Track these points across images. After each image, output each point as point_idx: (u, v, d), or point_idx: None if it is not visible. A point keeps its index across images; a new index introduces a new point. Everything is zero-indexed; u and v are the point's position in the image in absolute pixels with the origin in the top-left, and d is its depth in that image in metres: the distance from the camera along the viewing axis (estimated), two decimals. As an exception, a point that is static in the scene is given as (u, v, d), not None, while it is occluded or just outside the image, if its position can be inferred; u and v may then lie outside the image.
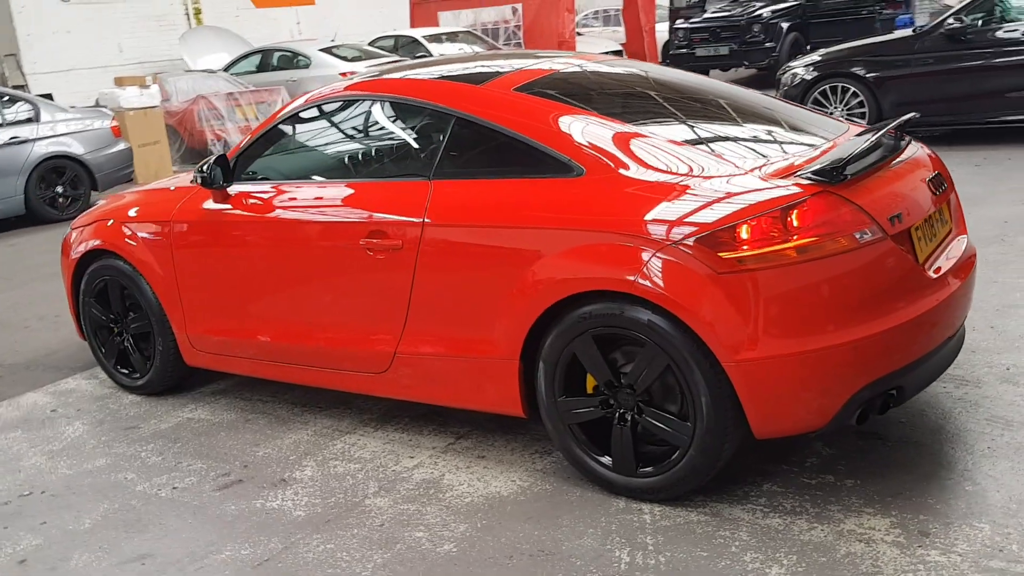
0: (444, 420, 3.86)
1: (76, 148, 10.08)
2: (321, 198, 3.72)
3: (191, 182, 4.23)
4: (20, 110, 9.97)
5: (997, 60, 8.29)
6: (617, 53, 16.02)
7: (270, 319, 3.89)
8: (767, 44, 15.06)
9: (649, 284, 2.85)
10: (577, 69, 3.83)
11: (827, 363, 2.77)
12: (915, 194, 3.11)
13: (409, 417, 3.95)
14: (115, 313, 4.52)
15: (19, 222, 9.93)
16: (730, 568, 2.69)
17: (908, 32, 9.38)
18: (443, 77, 3.79)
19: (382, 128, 3.96)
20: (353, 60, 15.01)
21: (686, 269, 2.82)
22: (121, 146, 10.61)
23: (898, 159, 3.22)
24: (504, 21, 17.09)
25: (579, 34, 17.91)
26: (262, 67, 15.86)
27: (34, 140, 9.80)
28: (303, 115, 4.02)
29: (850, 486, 3.06)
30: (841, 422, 2.86)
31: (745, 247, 2.77)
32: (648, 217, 2.91)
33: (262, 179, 3.99)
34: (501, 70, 3.71)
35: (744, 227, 2.78)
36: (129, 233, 4.34)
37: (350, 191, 3.67)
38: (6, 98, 10.13)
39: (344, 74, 14.09)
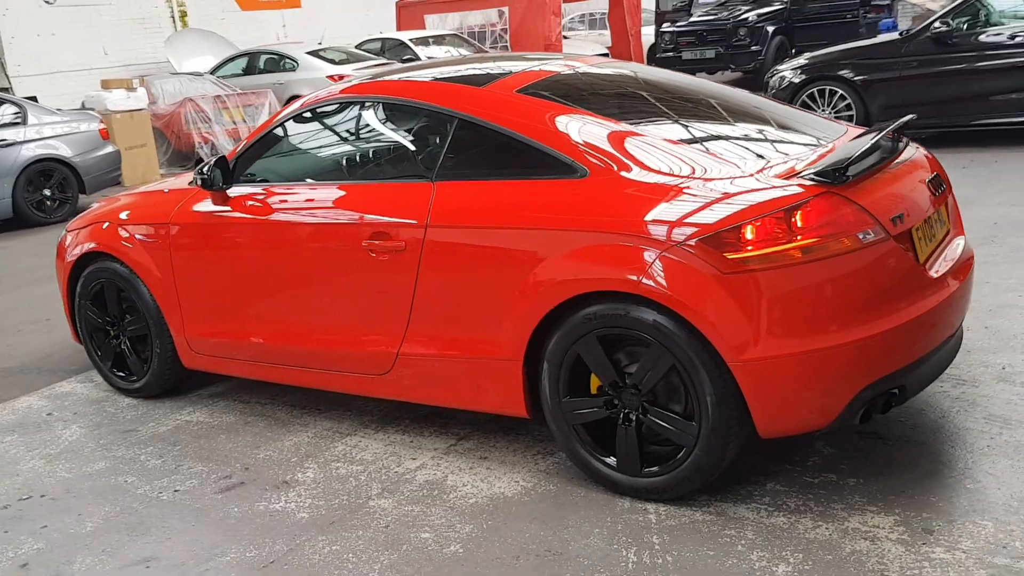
0: (445, 422, 3.87)
1: (64, 151, 10.03)
2: (323, 200, 3.72)
3: (190, 184, 4.22)
4: (7, 113, 9.90)
5: (983, 63, 8.38)
6: (603, 56, 16.07)
7: (271, 321, 3.88)
8: (753, 48, 15.16)
9: (654, 284, 2.87)
10: (577, 71, 3.84)
11: (832, 363, 2.80)
12: (915, 195, 3.15)
13: (410, 419, 3.95)
14: (111, 316, 4.50)
15: (6, 225, 9.86)
16: (737, 566, 2.70)
17: (895, 35, 9.46)
18: (444, 79, 3.80)
19: (384, 130, 3.97)
20: (340, 63, 15.00)
21: (691, 269, 2.84)
22: (109, 149, 10.55)
23: (897, 160, 3.26)
24: (491, 24, 17.12)
25: (565, 37, 17.95)
26: (249, 70, 15.81)
27: (21, 143, 9.74)
28: (304, 117, 4.02)
29: (852, 485, 3.08)
30: (845, 421, 2.88)
31: (750, 247, 2.79)
32: (653, 218, 2.93)
33: (262, 181, 3.98)
34: (503, 72, 3.72)
35: (749, 227, 2.80)
36: (126, 235, 4.32)
37: (352, 193, 3.67)
38: (-7, 101, 10.08)
39: (332, 77, 14.08)
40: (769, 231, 2.80)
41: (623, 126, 3.28)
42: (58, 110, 10.90)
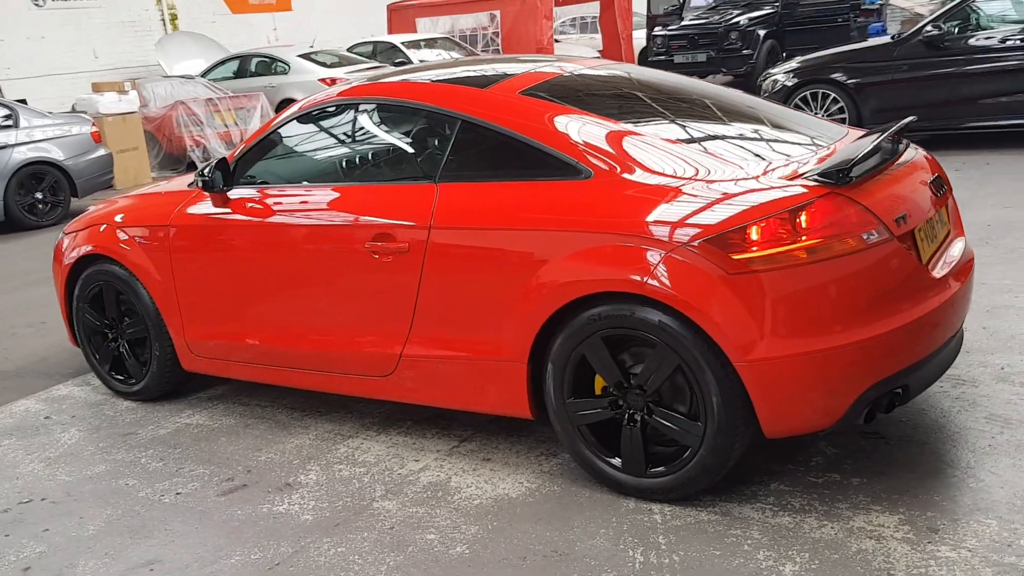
0: (447, 423, 3.87)
1: (56, 154, 9.97)
2: (324, 202, 3.72)
3: (189, 186, 4.21)
4: (-2, 115, 9.86)
5: (974, 67, 8.44)
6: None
7: (271, 323, 3.87)
8: (744, 51, 15.20)
9: (660, 285, 2.88)
10: (579, 73, 3.85)
11: (836, 363, 2.81)
12: (917, 196, 3.17)
13: (412, 421, 3.94)
14: (110, 319, 4.48)
15: (-2, 229, 9.83)
16: (744, 566, 2.71)
17: (887, 39, 9.51)
18: (446, 80, 3.80)
19: (386, 132, 3.97)
20: (332, 66, 14.98)
21: (697, 270, 2.85)
22: (101, 152, 10.50)
23: (899, 162, 3.28)
24: (482, 28, 17.12)
25: (556, 41, 17.96)
26: (240, 73, 15.77)
27: (13, 146, 9.68)
28: (305, 119, 4.01)
29: (856, 484, 3.09)
30: (849, 421, 2.90)
31: (755, 248, 2.80)
32: (657, 219, 2.94)
33: (263, 183, 3.97)
34: (505, 73, 3.73)
35: (754, 228, 2.81)
36: (125, 238, 4.30)
37: (354, 195, 3.66)
38: (-16, 104, 10.03)
39: (324, 80, 14.06)
40: (774, 232, 2.81)
41: (626, 127, 3.29)
42: (49, 113, 10.85)
